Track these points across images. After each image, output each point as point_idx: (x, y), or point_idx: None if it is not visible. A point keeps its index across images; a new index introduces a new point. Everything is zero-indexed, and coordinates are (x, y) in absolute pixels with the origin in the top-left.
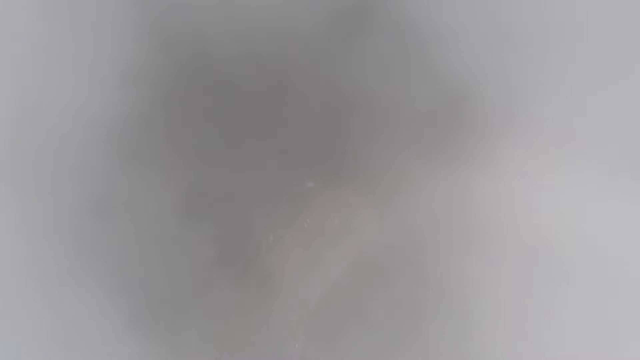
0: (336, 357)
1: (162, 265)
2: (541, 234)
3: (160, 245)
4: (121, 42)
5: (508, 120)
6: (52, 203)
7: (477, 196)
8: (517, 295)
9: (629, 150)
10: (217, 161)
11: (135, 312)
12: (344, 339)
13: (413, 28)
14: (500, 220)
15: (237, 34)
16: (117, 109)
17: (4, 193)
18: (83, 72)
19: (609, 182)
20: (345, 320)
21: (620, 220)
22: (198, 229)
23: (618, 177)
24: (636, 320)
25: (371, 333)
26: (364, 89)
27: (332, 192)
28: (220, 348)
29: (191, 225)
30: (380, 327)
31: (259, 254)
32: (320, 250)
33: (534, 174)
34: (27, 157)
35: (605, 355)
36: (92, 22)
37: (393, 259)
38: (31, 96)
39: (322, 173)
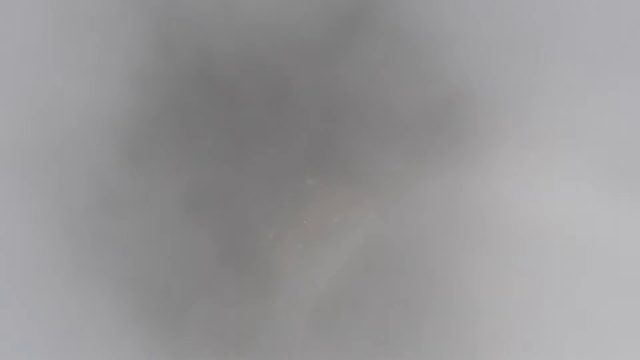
0: (335, 353)
1: (166, 261)
2: (535, 233)
3: (165, 241)
4: (128, 46)
5: (502, 122)
6: (61, 200)
7: (473, 195)
8: (514, 294)
9: (620, 151)
10: (220, 160)
11: (141, 305)
12: (343, 334)
13: (407, 33)
14: (497, 219)
15: (238, 37)
16: (124, 110)
17: (16, 190)
18: (91, 74)
19: (601, 181)
20: (344, 315)
21: (614, 220)
22: (201, 225)
23: (610, 177)
24: (633, 319)
25: (369, 328)
26: (361, 91)
27: (331, 190)
28: (222, 340)
29: (194, 222)
30: (378, 323)
31: (259, 251)
32: (319, 246)
33: (528, 174)
34: (37, 155)
35: (604, 354)
36: (99, 27)
37: (392, 255)
38: (41, 97)
39: (322, 171)
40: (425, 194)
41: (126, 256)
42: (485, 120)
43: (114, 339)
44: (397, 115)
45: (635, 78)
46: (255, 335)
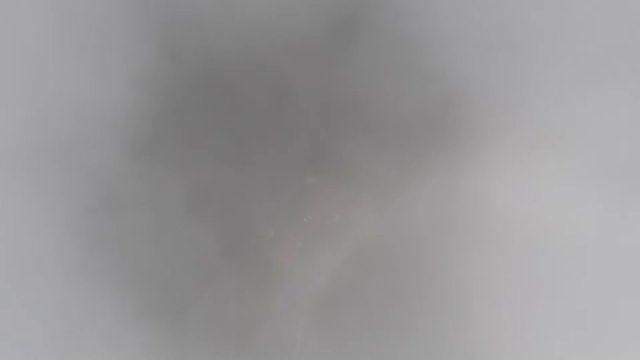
0: (335, 350)
1: (168, 259)
2: (532, 233)
3: (166, 240)
4: (129, 46)
5: (500, 122)
6: (63, 199)
7: (470, 194)
8: (511, 293)
9: (618, 152)
10: (220, 160)
11: (144, 301)
12: (342, 332)
13: (407, 34)
14: (495, 219)
15: (238, 38)
16: (125, 110)
17: (18, 189)
18: (92, 74)
19: (599, 182)
20: (343, 313)
21: (612, 220)
22: (202, 224)
23: (608, 178)
24: (631, 319)
25: (368, 326)
26: (360, 91)
27: (331, 188)
28: (222, 338)
29: (196, 220)
30: (377, 321)
31: (260, 249)
32: (319, 245)
33: (526, 174)
34: (38, 155)
35: (602, 353)
36: (100, 26)
37: (390, 254)
38: (42, 97)
39: (322, 171)
40: (423, 193)
41: (128, 255)
42: (483, 120)
43: (115, 337)
44: (395, 115)
45: (633, 79)
46: (256, 333)
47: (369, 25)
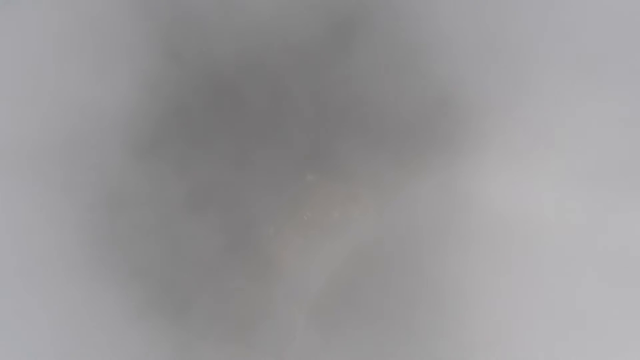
0: (334, 345)
1: (170, 256)
2: (528, 232)
3: (169, 236)
4: (133, 47)
5: (496, 122)
6: (68, 197)
7: (467, 192)
8: (507, 292)
9: (613, 152)
10: (221, 159)
11: (146, 298)
12: (341, 328)
13: (405, 35)
14: (495, 218)
15: (239, 39)
16: (128, 111)
17: (23, 187)
18: (97, 74)
19: (595, 182)
20: (342, 309)
21: (608, 219)
22: (204, 222)
23: (604, 177)
24: (629, 317)
25: (367, 322)
26: (358, 91)
27: (331, 186)
28: (223, 333)
29: (197, 218)
30: (376, 317)
31: (260, 246)
32: (319, 242)
33: (522, 175)
34: (45, 154)
35: (600, 352)
36: (101, 26)
37: (389, 252)
38: (48, 96)
39: (321, 169)
40: (422, 192)
41: (130, 253)
42: (481, 120)
43: (119, 332)
44: (394, 115)
45: (632, 79)
46: (256, 328)
47: (368, 25)
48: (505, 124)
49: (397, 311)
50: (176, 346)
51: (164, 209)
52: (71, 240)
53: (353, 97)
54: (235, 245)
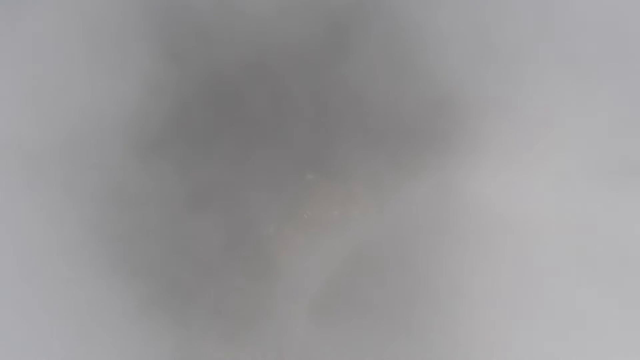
0: (333, 342)
1: (172, 253)
2: (525, 231)
3: (171, 235)
4: (135, 48)
5: (493, 122)
6: (72, 196)
7: (463, 191)
8: (503, 291)
9: (609, 150)
10: (223, 159)
11: (149, 295)
12: (341, 325)
13: (402, 37)
14: (493, 218)
15: (239, 40)
16: (133, 111)
17: (30, 186)
18: (100, 75)
19: (592, 180)
20: (342, 307)
21: (604, 217)
22: (205, 220)
23: (600, 176)
24: (629, 317)
25: (367, 320)
26: (357, 91)
27: (331, 185)
28: (224, 329)
29: (199, 217)
30: (375, 315)
31: (261, 244)
32: (319, 240)
33: (519, 174)
34: (50, 153)
35: (600, 351)
36: (103, 27)
37: (389, 250)
38: (52, 96)
39: (322, 168)
40: (420, 192)
41: (133, 250)
42: (479, 120)
43: (122, 328)
44: (393, 115)
45: (629, 79)
46: (257, 325)
47: (367, 27)
48: (503, 124)
49: (395, 309)
50: (178, 343)
51: (166, 208)
52: (74, 238)
53: (352, 97)
54: (236, 244)
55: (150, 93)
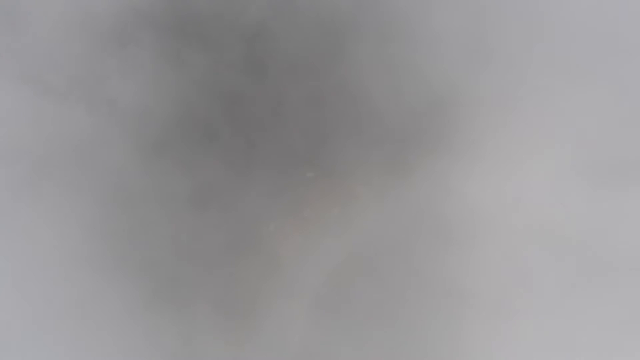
0: (335, 339)
1: (175, 250)
2: (522, 229)
3: (174, 232)
4: (139, 50)
5: (490, 121)
6: (79, 193)
7: (460, 189)
8: (501, 290)
9: (605, 149)
10: (224, 157)
11: (151, 291)
12: (341, 322)
13: (399, 37)
14: (490, 217)
15: (240, 43)
16: (138, 111)
17: (35, 185)
18: (104, 76)
19: (588, 179)
20: (342, 304)
21: (600, 215)
22: (207, 218)
23: (596, 175)
24: (628, 316)
25: (366, 317)
26: (356, 91)
27: (331, 183)
28: (225, 326)
29: (201, 214)
30: (374, 313)
31: (261, 241)
32: (319, 238)
33: (515, 172)
34: (56, 151)
35: (599, 351)
36: (106, 28)
37: (388, 248)
38: (59, 96)
39: (322, 166)
40: (417, 190)
41: (137, 247)
42: (474, 121)
43: (125, 323)
44: (389, 115)
45: (622, 79)
46: (258, 322)
47: (364, 27)
48: (499, 124)
49: (395, 307)
50: (179, 339)
51: (168, 206)
52: (78, 235)
53: (350, 98)
54: (237, 242)
55: (155, 95)
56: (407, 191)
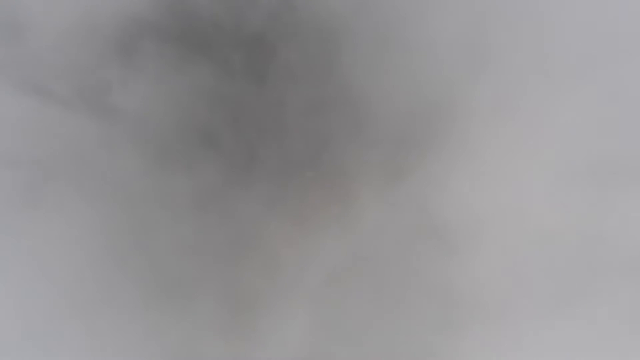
0: (333, 338)
1: (177, 249)
2: (519, 230)
3: (176, 232)
4: (144, 52)
5: (487, 121)
6: (86, 193)
7: (460, 192)
8: (505, 290)
9: (604, 150)
10: (225, 157)
11: (154, 289)
12: (340, 320)
13: (397, 40)
14: (491, 216)
15: (241, 47)
16: (143, 114)
17: (42, 185)
18: (109, 77)
19: (587, 179)
20: (341, 302)
21: (598, 215)
22: (209, 217)
23: (595, 175)
24: (628, 315)
25: (365, 316)
26: (355, 91)
27: (331, 183)
28: (226, 324)
29: (203, 214)
30: (374, 311)
31: (260, 242)
32: (319, 238)
33: (512, 174)
34: (63, 153)
35: (599, 350)
36: (115, 31)
37: (387, 247)
38: (64, 97)
39: (322, 167)
40: (415, 190)
41: (141, 246)
42: (471, 122)
43: (129, 319)
44: (387, 116)
45: (617, 81)
46: (258, 320)
47: (362, 33)
48: (498, 126)
49: (393, 307)
50: (179, 337)
51: (172, 205)
52: (81, 238)
53: (349, 101)
54: (238, 240)
55: (160, 97)
56: (406, 192)
